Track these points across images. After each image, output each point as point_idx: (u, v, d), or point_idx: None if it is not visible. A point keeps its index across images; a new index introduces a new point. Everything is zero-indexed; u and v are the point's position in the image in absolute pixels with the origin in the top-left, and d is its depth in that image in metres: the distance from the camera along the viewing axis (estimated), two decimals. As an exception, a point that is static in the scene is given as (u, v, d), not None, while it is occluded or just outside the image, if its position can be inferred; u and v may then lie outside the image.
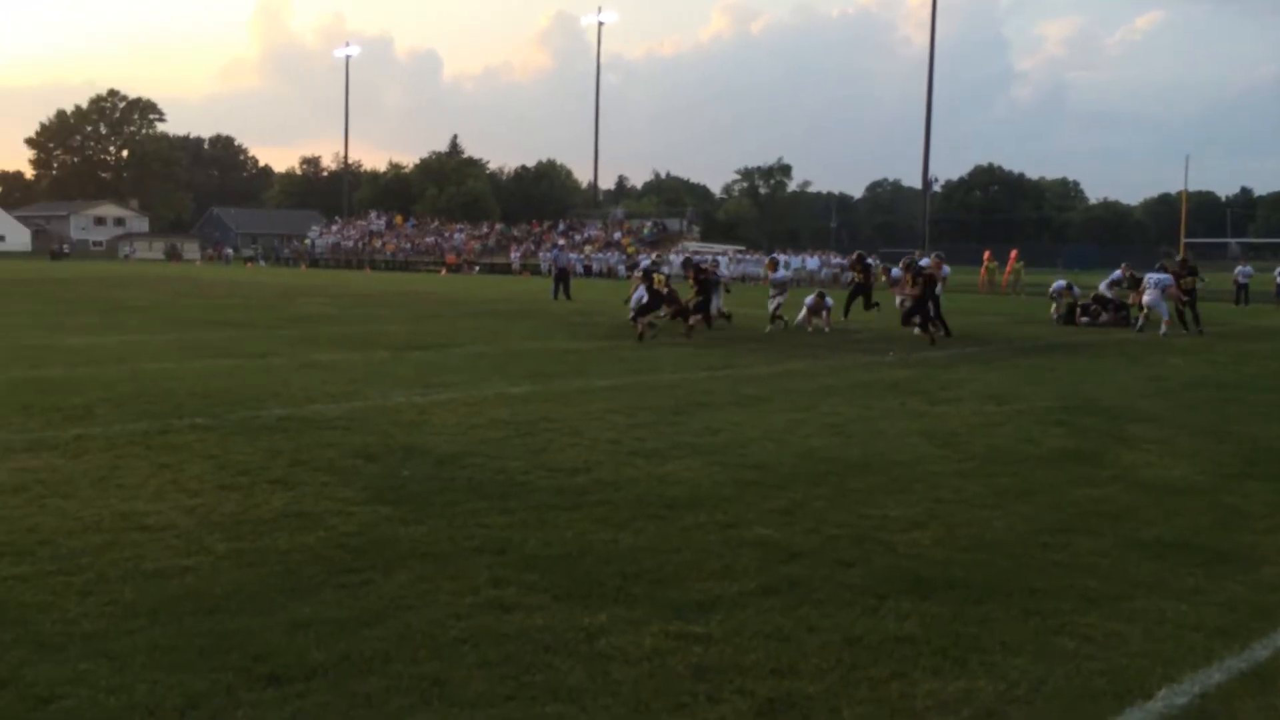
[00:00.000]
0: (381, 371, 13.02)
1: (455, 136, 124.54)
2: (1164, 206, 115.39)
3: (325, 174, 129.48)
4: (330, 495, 6.66)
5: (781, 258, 31.23)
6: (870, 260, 23.78)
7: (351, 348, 15.85)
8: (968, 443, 8.90)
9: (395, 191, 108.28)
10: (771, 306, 20.74)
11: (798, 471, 7.64)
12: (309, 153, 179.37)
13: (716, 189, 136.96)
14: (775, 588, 5.07)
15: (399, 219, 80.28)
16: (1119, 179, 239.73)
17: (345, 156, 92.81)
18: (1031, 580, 5.22)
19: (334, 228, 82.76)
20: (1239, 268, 37.63)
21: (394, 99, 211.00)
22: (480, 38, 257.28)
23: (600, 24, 72.31)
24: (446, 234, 72.79)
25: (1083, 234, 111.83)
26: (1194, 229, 69.94)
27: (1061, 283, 24.70)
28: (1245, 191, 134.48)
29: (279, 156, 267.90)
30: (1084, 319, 23.12)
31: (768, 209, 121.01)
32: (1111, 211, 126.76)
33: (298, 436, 8.55)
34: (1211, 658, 4.31)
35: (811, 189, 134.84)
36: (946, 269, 22.54)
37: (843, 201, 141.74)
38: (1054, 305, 24.17)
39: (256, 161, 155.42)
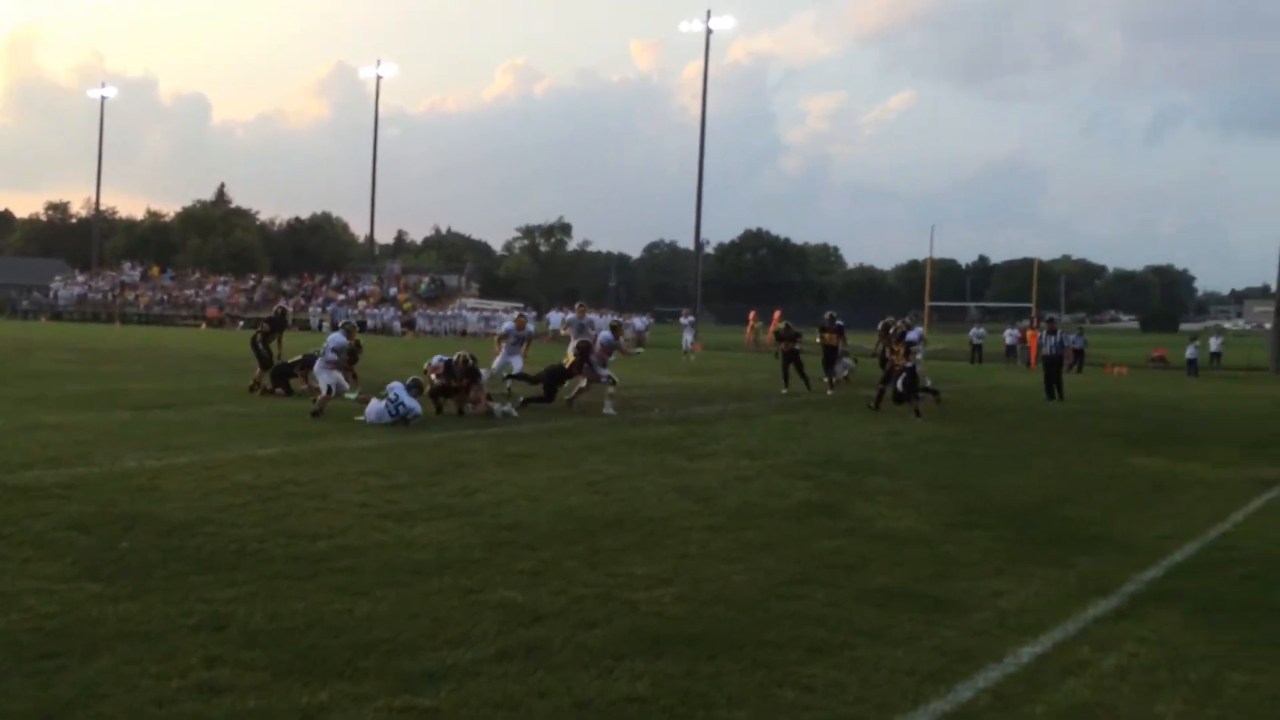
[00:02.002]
0: (117, 433, 12.06)
1: (222, 185, 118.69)
2: (913, 272, 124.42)
3: (74, 220, 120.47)
4: (32, 572, 6.04)
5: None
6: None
7: (87, 408, 14.64)
8: (721, 498, 9.12)
9: (154, 241, 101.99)
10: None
11: (552, 531, 7.58)
12: (57, 198, 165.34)
13: (498, 246, 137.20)
14: (512, 653, 4.96)
15: (155, 270, 75.66)
16: (875, 246, 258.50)
17: (97, 202, 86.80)
18: (764, 633, 5.35)
19: (81, 278, 77.01)
20: (974, 329, 41.25)
21: (156, 143, 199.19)
22: (254, 83, 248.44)
23: (379, 77, 71.26)
24: (208, 286, 69.16)
25: (842, 296, 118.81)
26: (938, 294, 75.65)
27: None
28: (983, 259, 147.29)
29: (23, 202, 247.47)
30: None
31: (548, 267, 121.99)
32: (867, 276, 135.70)
33: (4, 507, 7.75)
34: (919, 701, 4.53)
35: (592, 248, 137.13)
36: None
37: (622, 261, 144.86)
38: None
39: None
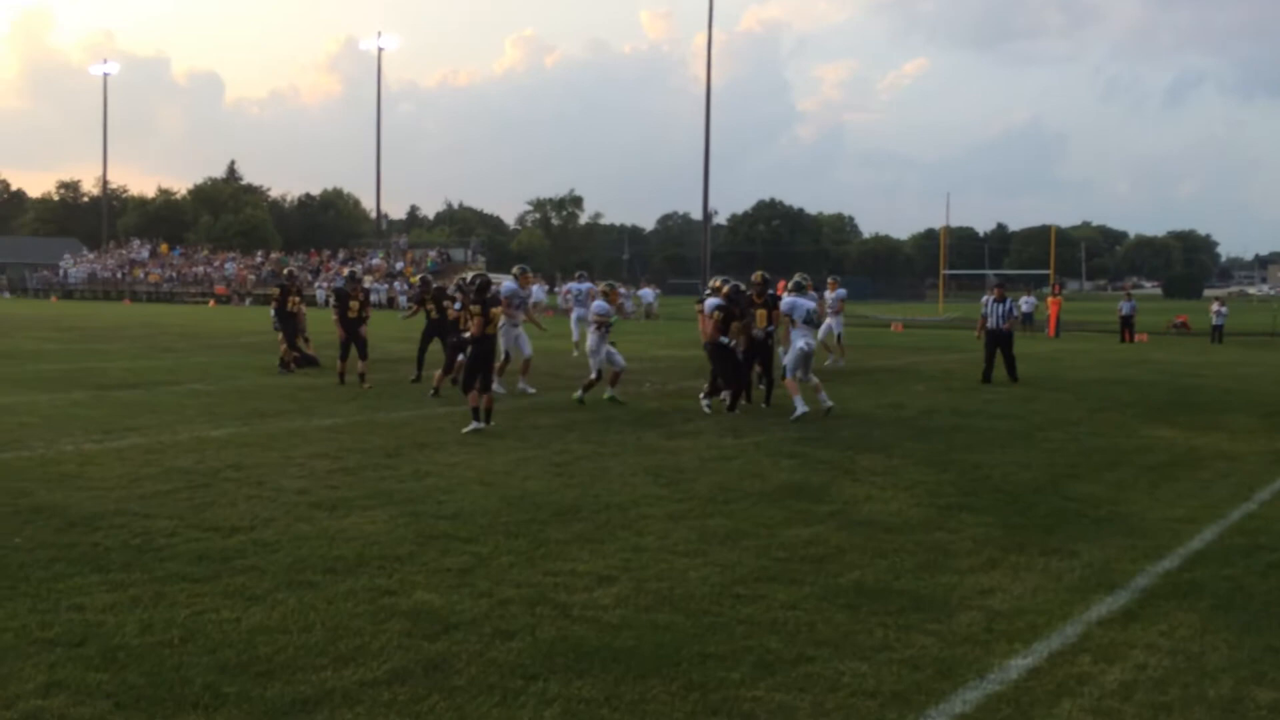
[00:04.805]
0: (66, 414, 11.41)
1: (233, 162, 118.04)
2: (929, 241, 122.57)
3: (86, 199, 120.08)
4: (-108, 575, 5.36)
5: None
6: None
7: (46, 388, 14.02)
8: (693, 481, 8.36)
9: (166, 219, 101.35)
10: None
11: (497, 520, 6.85)
12: (69, 177, 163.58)
13: (511, 220, 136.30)
14: (409, 672, 4.25)
15: (164, 247, 75.22)
16: (890, 214, 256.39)
17: (105, 179, 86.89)
18: (707, 644, 4.60)
19: (90, 256, 76.72)
20: (985, 298, 39.95)
21: (170, 122, 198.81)
22: (266, 61, 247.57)
23: (380, 50, 70.15)
24: (217, 263, 68.69)
25: (858, 266, 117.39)
26: (955, 262, 74.48)
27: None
28: (1001, 227, 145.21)
29: (36, 181, 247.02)
30: None
31: (560, 240, 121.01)
32: (884, 245, 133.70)
33: (-99, 498, 7.10)
34: (880, 733, 3.78)
35: (604, 221, 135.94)
36: None
37: (634, 233, 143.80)
38: None
39: (8, 186, 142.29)
